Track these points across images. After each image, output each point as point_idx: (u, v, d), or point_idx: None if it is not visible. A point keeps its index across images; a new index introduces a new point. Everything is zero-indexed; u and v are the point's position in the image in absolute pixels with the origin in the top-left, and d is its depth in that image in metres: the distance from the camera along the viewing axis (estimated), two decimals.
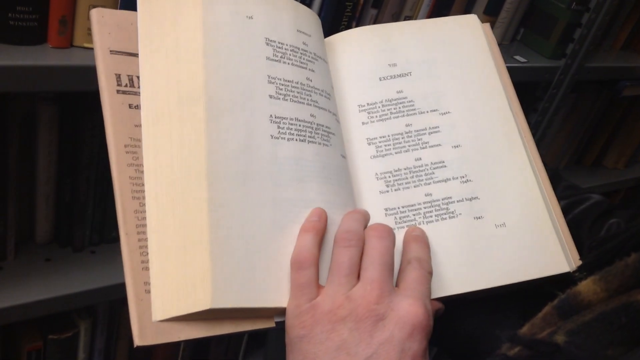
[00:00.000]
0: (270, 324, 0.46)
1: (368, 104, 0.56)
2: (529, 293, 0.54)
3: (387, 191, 0.53)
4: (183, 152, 0.45)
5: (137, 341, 0.42)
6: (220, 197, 0.45)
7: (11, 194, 0.83)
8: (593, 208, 0.61)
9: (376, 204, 0.53)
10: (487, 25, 0.62)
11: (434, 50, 0.59)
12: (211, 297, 0.42)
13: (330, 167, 0.51)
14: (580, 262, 0.53)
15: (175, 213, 0.44)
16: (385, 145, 0.55)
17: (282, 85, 0.50)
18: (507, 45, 1.25)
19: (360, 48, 0.58)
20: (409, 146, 0.55)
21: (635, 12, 1.42)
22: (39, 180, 0.86)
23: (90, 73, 0.50)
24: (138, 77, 0.48)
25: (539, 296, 0.49)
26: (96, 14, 0.48)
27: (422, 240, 0.50)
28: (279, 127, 0.49)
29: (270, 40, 0.51)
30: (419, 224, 0.52)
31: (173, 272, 0.43)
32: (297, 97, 0.51)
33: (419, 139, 0.55)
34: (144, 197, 0.45)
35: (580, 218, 0.60)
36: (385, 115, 0.56)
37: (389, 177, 0.54)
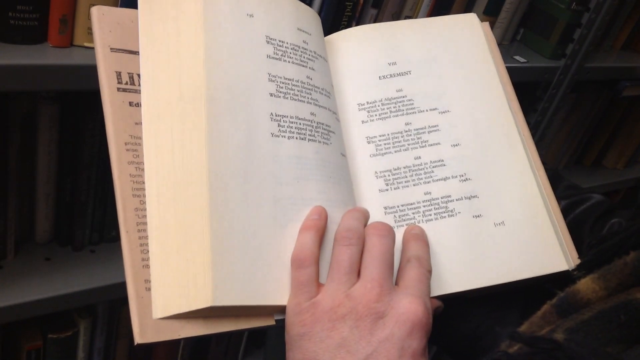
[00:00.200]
0: (270, 322, 0.46)
1: (368, 102, 0.56)
2: (528, 291, 0.54)
3: (387, 190, 0.53)
4: (184, 149, 0.46)
5: (138, 339, 0.42)
6: (221, 195, 0.45)
7: (11, 193, 0.83)
8: (594, 208, 0.61)
9: (376, 203, 0.53)
10: (487, 24, 0.62)
11: (434, 49, 0.59)
12: (212, 295, 0.42)
13: (330, 165, 0.51)
14: (579, 261, 0.53)
15: (176, 211, 0.45)
16: (385, 144, 0.55)
17: (283, 83, 0.50)
18: (507, 46, 1.25)
19: (360, 47, 0.58)
20: (409, 145, 0.55)
21: (635, 12, 1.42)
22: (39, 180, 0.86)
23: (90, 72, 0.50)
24: (138, 75, 0.48)
25: (538, 294, 0.49)
26: (96, 12, 0.48)
27: (422, 239, 0.50)
28: (279, 125, 0.49)
29: (271, 39, 0.51)
30: (419, 222, 0.52)
31: (174, 270, 0.43)
32: (297, 95, 0.51)
33: (419, 138, 0.56)
34: (144, 195, 0.45)
35: (581, 218, 0.60)
36: (385, 113, 0.56)
37: (389, 175, 0.54)
